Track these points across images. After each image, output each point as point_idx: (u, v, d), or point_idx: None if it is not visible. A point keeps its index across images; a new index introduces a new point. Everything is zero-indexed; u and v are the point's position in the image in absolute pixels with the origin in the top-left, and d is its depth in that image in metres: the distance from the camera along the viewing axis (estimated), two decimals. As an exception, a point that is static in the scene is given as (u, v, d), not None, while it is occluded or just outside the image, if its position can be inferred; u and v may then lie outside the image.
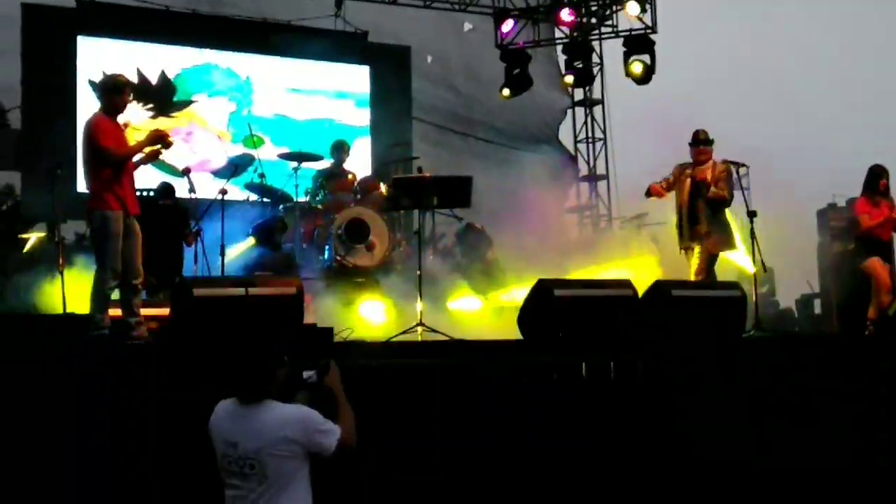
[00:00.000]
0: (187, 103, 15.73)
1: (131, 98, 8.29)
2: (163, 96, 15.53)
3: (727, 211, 10.33)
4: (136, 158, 8.20)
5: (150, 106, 15.33)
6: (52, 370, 6.15)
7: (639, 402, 7.28)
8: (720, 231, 10.24)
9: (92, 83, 8.52)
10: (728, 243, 10.32)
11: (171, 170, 12.13)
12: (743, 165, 10.12)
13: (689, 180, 10.32)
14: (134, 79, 14.31)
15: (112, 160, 7.91)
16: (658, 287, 8.60)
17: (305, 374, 4.70)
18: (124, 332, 7.91)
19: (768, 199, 10.79)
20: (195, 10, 15.80)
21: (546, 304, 8.27)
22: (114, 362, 6.65)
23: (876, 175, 10.66)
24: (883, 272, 10.54)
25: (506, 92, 16.67)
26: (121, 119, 8.18)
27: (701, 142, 10.43)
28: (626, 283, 8.58)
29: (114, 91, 8.20)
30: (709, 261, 10.22)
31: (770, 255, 10.48)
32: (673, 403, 7.33)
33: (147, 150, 8.23)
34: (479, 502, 6.51)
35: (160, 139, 8.29)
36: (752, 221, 9.89)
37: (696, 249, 10.19)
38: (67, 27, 15.05)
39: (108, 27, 15.26)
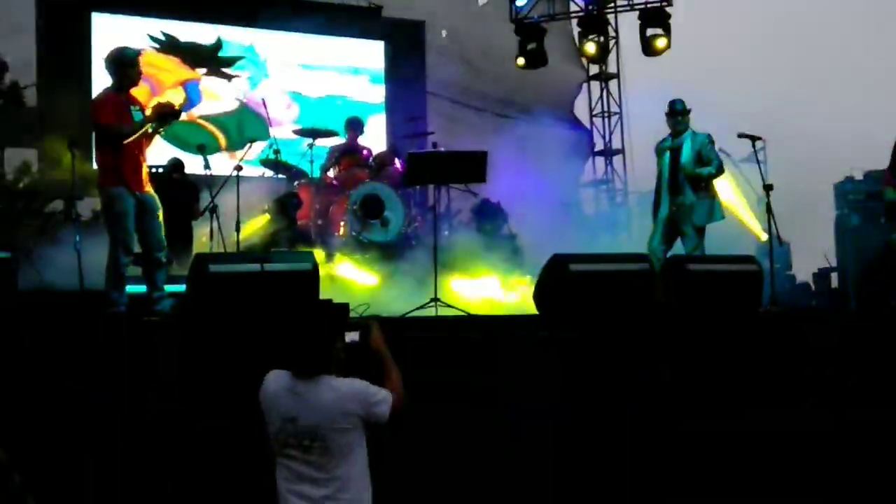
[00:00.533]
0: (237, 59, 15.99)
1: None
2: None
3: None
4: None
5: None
6: (70, 346, 6.15)
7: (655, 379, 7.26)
8: (706, 201, 10.17)
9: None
10: (713, 215, 10.18)
11: (186, 146, 12.17)
12: (758, 139, 10.06)
13: (668, 152, 10.29)
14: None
15: (113, 137, 7.93)
16: (674, 261, 8.60)
17: (348, 336, 4.80)
18: (147, 307, 8.02)
19: (785, 171, 10.75)
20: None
21: (561, 278, 8.26)
22: (129, 338, 6.70)
23: None
24: None
25: (521, 61, 16.66)
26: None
27: (677, 112, 10.37)
28: (643, 258, 8.57)
29: (124, 64, 8.21)
30: (673, 233, 10.20)
31: (786, 229, 10.49)
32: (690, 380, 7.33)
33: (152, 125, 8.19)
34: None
35: (167, 112, 8.28)
36: (768, 195, 9.85)
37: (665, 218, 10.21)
38: (82, 4, 15.07)
39: (121, 3, 15.28)
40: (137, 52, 8.42)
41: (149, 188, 8.18)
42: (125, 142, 7.89)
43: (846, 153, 12.76)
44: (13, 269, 7.86)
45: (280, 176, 12.40)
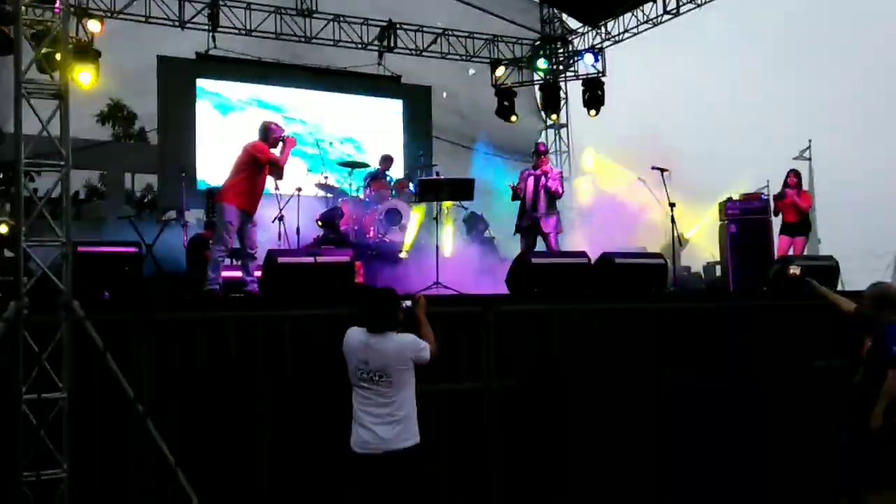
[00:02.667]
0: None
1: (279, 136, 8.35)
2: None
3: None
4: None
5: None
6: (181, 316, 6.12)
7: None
8: (556, 215, 10.23)
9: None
10: (559, 226, 10.29)
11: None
12: (666, 170, 10.08)
13: (531, 179, 10.24)
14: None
15: (275, 166, 8.18)
16: (605, 256, 8.58)
17: (404, 304, 5.20)
18: (240, 288, 8.04)
19: (685, 193, 10.76)
20: (278, 59, 15.78)
21: (525, 269, 8.25)
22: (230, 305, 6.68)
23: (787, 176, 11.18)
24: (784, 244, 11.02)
25: (498, 115, 16.76)
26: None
27: (541, 154, 10.49)
28: (583, 254, 8.57)
29: (265, 131, 8.30)
30: (535, 240, 10.24)
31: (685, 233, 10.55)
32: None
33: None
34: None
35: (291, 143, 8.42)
36: (672, 210, 9.88)
37: (531, 230, 10.19)
38: (189, 72, 15.07)
39: (217, 72, 15.29)
40: (271, 125, 8.47)
41: (256, 206, 8.22)
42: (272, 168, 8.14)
43: (726, 181, 12.80)
44: (139, 258, 7.87)
45: (328, 195, 12.43)
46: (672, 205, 9.87)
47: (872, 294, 6.38)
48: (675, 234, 10.05)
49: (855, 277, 11.62)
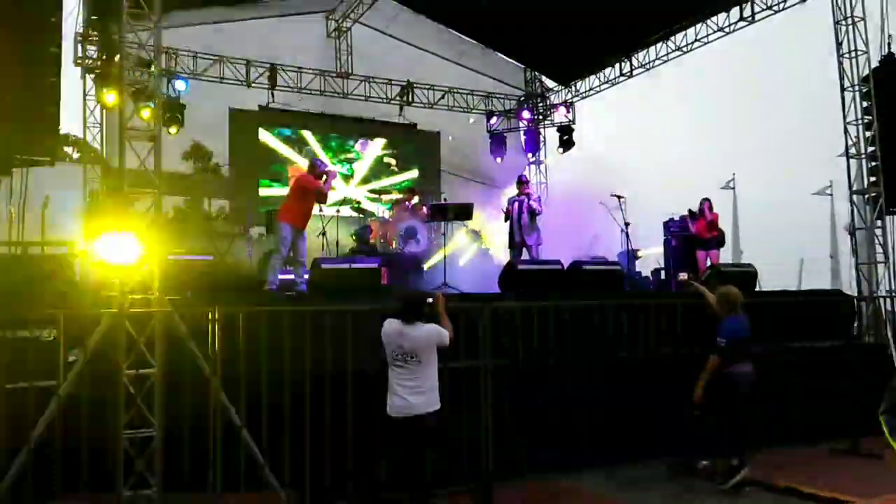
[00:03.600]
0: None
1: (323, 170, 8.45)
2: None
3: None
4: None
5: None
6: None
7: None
8: (536, 232, 10.11)
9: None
10: (540, 238, 10.15)
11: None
12: (622, 197, 10.08)
13: (517, 203, 10.18)
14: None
15: (320, 194, 8.20)
16: (576, 263, 8.59)
17: (429, 299, 5.23)
18: (293, 288, 8.04)
19: (637, 214, 10.75)
20: (322, 111, 15.82)
21: (513, 273, 8.25)
22: (279, 304, 6.69)
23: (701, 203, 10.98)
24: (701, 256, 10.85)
25: (491, 154, 16.74)
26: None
27: (523, 183, 10.43)
28: (558, 262, 8.57)
29: (312, 165, 8.41)
30: (522, 251, 10.11)
31: (637, 244, 10.55)
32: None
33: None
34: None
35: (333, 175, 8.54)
36: (626, 227, 9.89)
37: (520, 245, 10.09)
38: (253, 120, 15.14)
39: (275, 120, 15.35)
40: (315, 162, 8.60)
41: (305, 223, 8.22)
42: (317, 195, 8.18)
43: (668, 205, 12.76)
44: (214, 264, 7.88)
45: (361, 215, 12.48)
46: (627, 223, 9.87)
47: (718, 294, 6.37)
48: (629, 247, 10.06)
49: (771, 280, 11.54)
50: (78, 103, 13.08)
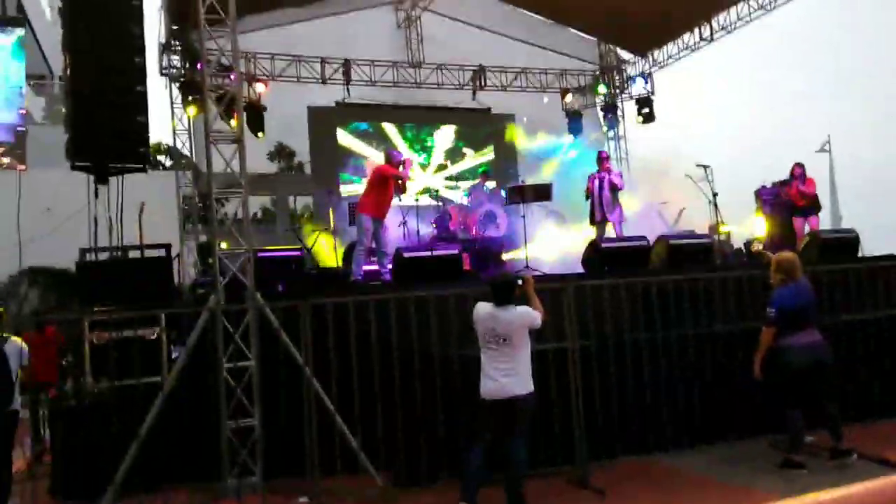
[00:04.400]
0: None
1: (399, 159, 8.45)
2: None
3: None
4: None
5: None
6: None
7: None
8: (619, 208, 9.87)
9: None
10: (623, 215, 9.94)
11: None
12: (707, 167, 9.71)
13: (597, 181, 9.92)
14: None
15: (398, 180, 8.21)
16: (662, 238, 8.35)
17: (519, 281, 5.14)
18: (377, 277, 8.16)
19: (726, 184, 10.34)
20: (397, 102, 15.96)
21: (597, 252, 8.11)
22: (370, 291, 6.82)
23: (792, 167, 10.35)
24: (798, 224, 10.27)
25: (568, 133, 16.48)
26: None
27: (603, 159, 10.14)
28: (643, 238, 8.36)
29: (388, 156, 8.46)
30: (605, 229, 9.88)
31: (727, 215, 10.21)
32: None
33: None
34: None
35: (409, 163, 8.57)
36: (715, 198, 9.54)
37: (602, 222, 9.85)
38: (331, 117, 15.45)
39: (352, 114, 15.61)
40: (396, 151, 8.68)
41: (384, 213, 8.27)
42: (395, 184, 8.21)
43: (760, 173, 12.20)
44: (302, 259, 8.08)
45: (439, 204, 12.54)
46: (715, 194, 9.50)
47: (772, 261, 5.95)
48: (718, 218, 9.67)
49: (874, 246, 10.86)
50: (166, 112, 13.69)
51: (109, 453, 5.33)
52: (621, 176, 10.22)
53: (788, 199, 10.51)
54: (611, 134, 17.75)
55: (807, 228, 10.15)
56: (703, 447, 6.38)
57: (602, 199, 9.90)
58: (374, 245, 8.24)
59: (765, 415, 6.27)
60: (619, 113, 17.45)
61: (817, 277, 6.66)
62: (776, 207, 11.06)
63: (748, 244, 12.01)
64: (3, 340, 5.62)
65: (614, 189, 9.90)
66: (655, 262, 8.05)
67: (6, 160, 9.47)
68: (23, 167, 9.40)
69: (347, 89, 14.77)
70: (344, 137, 15.65)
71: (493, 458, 4.90)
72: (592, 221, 10.10)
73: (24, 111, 10.14)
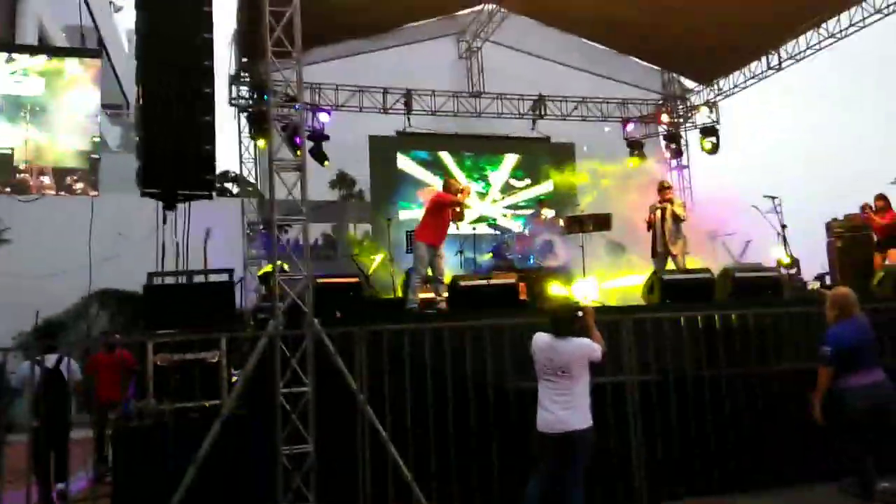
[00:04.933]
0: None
1: (459, 187, 8.45)
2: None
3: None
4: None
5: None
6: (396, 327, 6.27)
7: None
8: (681, 240, 9.53)
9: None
10: (686, 247, 9.56)
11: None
12: (775, 198, 9.43)
13: (659, 211, 9.63)
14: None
15: (457, 206, 8.25)
16: (727, 270, 8.11)
17: (579, 312, 5.09)
18: (432, 305, 8.12)
19: (793, 216, 10.02)
20: (457, 132, 16.08)
21: (657, 283, 7.93)
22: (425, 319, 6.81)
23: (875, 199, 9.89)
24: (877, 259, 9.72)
25: (629, 162, 16.25)
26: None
27: (665, 188, 9.85)
28: (707, 270, 8.13)
29: (446, 183, 8.50)
30: (666, 261, 9.51)
31: (795, 248, 9.84)
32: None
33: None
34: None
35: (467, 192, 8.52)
36: (783, 229, 9.23)
37: (664, 254, 9.50)
38: (392, 146, 15.66)
39: (412, 144, 15.80)
40: (448, 181, 8.64)
41: (441, 241, 8.27)
42: (453, 212, 8.23)
43: (830, 207, 11.76)
44: (360, 286, 8.13)
45: (497, 232, 12.50)
46: (783, 226, 9.20)
47: (828, 298, 5.61)
48: (787, 251, 9.36)
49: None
50: (234, 141, 14.15)
51: (169, 475, 5.42)
52: (684, 206, 10.00)
53: (865, 233, 10.08)
54: (673, 164, 17.45)
55: (887, 262, 9.70)
56: (771, 490, 6.10)
57: (664, 230, 9.69)
58: (430, 273, 8.25)
59: (836, 458, 5.96)
60: (682, 142, 17.16)
61: (893, 314, 6.34)
62: (849, 241, 10.64)
63: (819, 278, 11.58)
64: (59, 360, 5.86)
65: (677, 220, 9.67)
66: (720, 295, 7.81)
67: (80, 186, 9.88)
68: (95, 193, 9.79)
69: (408, 119, 14.97)
70: (403, 166, 15.83)
71: (550, 494, 4.78)
72: (654, 253, 9.86)
73: (97, 139, 10.59)
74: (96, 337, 13.11)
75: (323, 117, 14.10)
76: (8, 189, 9.90)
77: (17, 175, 9.59)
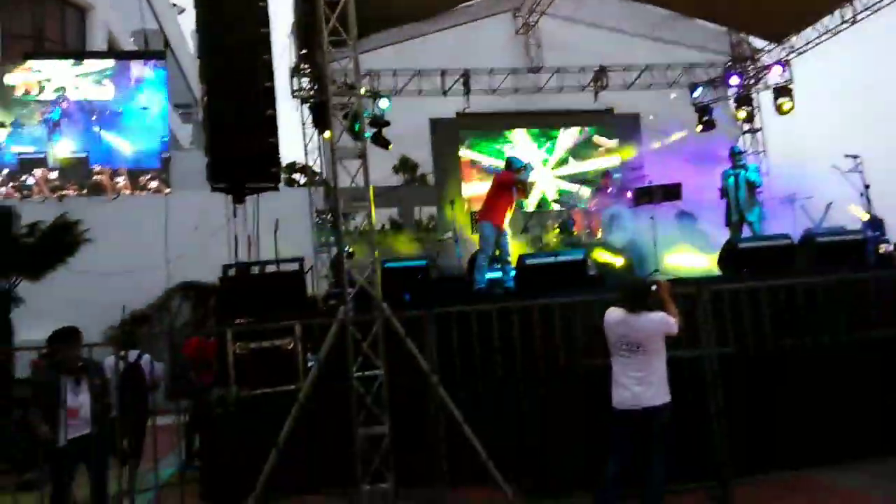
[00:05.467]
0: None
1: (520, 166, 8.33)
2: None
3: None
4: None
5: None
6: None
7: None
8: (757, 206, 9.20)
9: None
10: (762, 213, 9.23)
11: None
12: (856, 156, 8.96)
13: (732, 178, 9.31)
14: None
15: (522, 185, 8.15)
16: (808, 235, 7.77)
17: (653, 286, 4.97)
18: (500, 285, 8.09)
19: (876, 175, 9.50)
20: (517, 109, 15.86)
21: (734, 253, 7.66)
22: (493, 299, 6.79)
23: None
24: None
25: (699, 128, 15.69)
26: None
27: (737, 154, 9.52)
28: (786, 236, 7.80)
29: (508, 163, 8.44)
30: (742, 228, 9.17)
31: (879, 208, 9.35)
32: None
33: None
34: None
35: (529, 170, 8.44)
36: (866, 189, 8.77)
37: (739, 222, 9.18)
38: (452, 128, 15.61)
39: (472, 124, 15.70)
40: (516, 158, 8.53)
41: (506, 221, 8.20)
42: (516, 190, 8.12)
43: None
44: (429, 269, 8.17)
45: (562, 208, 12.33)
46: (867, 186, 8.73)
47: None
48: (872, 212, 8.87)
49: None
50: (298, 132, 14.38)
51: (253, 459, 5.60)
52: (759, 171, 9.60)
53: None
54: (745, 127, 16.76)
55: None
56: (857, 463, 5.83)
57: (738, 197, 9.33)
58: (496, 252, 8.21)
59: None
60: (753, 104, 16.46)
61: None
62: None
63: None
64: (139, 356, 6.14)
65: (751, 186, 9.29)
66: (800, 262, 7.48)
67: (153, 184, 10.27)
68: (168, 190, 10.15)
69: (468, 99, 14.87)
70: (465, 146, 15.78)
71: (629, 472, 4.70)
72: (728, 222, 9.52)
73: (167, 139, 10.97)
74: (179, 328, 13.64)
75: (383, 103, 14.16)
76: (85, 191, 10.36)
77: (94, 177, 10.06)
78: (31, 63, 11.79)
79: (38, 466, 5.29)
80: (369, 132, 12.94)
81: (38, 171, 10.64)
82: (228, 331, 6.18)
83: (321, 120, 13.40)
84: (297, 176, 23.01)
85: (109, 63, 11.11)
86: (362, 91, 6.54)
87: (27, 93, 11.10)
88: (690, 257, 10.26)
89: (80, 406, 5.08)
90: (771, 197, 9.43)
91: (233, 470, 5.82)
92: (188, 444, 7.88)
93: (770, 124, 16.41)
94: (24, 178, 10.67)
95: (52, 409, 4.99)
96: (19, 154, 10.77)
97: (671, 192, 9.75)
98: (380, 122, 13.90)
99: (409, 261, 8.08)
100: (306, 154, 14.61)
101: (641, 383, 4.65)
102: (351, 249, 6.52)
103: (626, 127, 16.10)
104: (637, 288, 4.88)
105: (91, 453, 5.10)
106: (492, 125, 15.84)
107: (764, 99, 16.25)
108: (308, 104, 14.11)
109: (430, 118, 15.33)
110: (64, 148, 10.89)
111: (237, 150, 6.45)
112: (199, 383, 7.73)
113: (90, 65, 10.86)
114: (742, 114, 16.36)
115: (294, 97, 14.21)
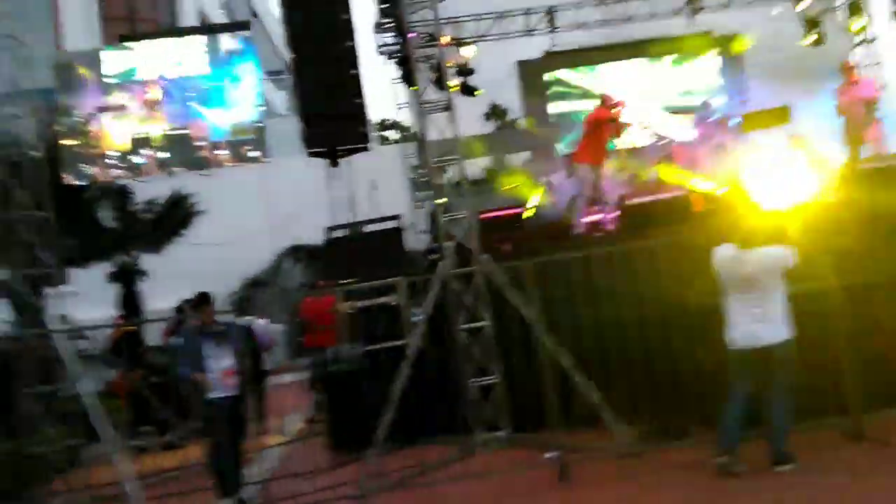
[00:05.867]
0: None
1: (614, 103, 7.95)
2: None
3: None
4: None
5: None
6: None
7: None
8: (877, 123, 8.36)
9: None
10: (882, 131, 8.37)
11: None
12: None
13: (846, 95, 8.42)
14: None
15: (607, 127, 7.78)
16: None
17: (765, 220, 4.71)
18: (600, 228, 7.76)
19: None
20: (608, 42, 15.20)
21: (853, 175, 7.12)
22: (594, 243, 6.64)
23: None
24: None
25: (806, 42, 14.49)
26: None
27: (850, 69, 8.69)
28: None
29: (601, 100, 8.10)
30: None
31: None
32: None
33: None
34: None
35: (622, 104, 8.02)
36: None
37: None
38: (540, 68, 15.20)
39: (561, 63, 15.24)
40: (609, 95, 8.15)
41: (603, 160, 7.85)
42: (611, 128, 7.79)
43: None
44: (523, 215, 8.03)
45: (661, 142, 11.77)
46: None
47: None
48: None
49: None
50: (388, 89, 14.40)
51: (371, 411, 5.79)
52: (874, 86, 8.80)
53: None
54: (857, 39, 15.36)
55: None
56: None
57: (855, 115, 8.62)
58: (595, 194, 7.98)
59: None
60: (866, 13, 15.00)
61: None
62: None
63: None
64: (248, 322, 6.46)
65: (868, 103, 8.54)
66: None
67: (253, 154, 10.59)
68: (267, 159, 10.46)
69: (553, 38, 14.37)
70: (556, 87, 15.34)
71: (753, 412, 4.54)
72: (845, 143, 8.84)
73: (262, 107, 11.25)
74: (294, 290, 14.20)
75: (467, 51, 13.90)
76: (188, 166, 10.82)
77: (196, 153, 10.52)
78: (128, 45, 12.33)
79: (186, 422, 5.56)
80: (455, 82, 12.76)
81: (144, 150, 11.23)
82: (338, 290, 6.37)
83: (406, 74, 13.34)
84: (390, 133, 23.20)
85: (202, 39, 11.45)
86: (444, 40, 6.41)
87: (126, 74, 11.66)
88: (805, 182, 9.62)
89: (222, 367, 5.20)
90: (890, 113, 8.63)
91: (356, 421, 6.06)
92: (314, 400, 8.21)
93: (887, 34, 14.94)
94: (132, 157, 11.30)
95: (197, 369, 5.17)
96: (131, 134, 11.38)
97: (780, 115, 9.13)
98: (465, 70, 13.68)
99: (504, 209, 8.02)
100: (398, 110, 14.66)
101: (759, 321, 4.46)
102: (446, 202, 6.49)
103: (725, 48, 15.14)
104: (747, 222, 4.61)
105: (233, 411, 5.27)
106: (582, 61, 15.29)
107: (878, 5, 14.78)
108: (394, 59, 14.07)
109: (517, 60, 14.97)
110: (165, 125, 11.40)
111: (325, 114, 6.53)
112: (315, 343, 8.02)
113: (182, 42, 11.25)
114: (853, 24, 14.95)
115: (380, 54, 14.19)
